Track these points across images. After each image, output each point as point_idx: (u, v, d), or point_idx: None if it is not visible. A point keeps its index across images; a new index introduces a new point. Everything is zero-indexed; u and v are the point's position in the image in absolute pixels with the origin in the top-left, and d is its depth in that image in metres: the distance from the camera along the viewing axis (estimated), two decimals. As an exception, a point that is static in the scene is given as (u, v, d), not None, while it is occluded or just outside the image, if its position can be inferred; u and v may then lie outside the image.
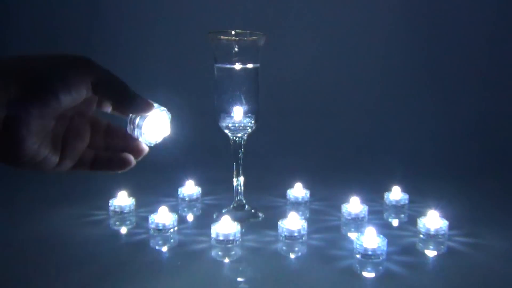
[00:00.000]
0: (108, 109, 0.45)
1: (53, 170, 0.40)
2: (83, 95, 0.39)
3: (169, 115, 0.46)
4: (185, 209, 0.84)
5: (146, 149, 0.45)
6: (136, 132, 0.44)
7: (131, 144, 0.45)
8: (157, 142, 0.46)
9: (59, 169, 0.41)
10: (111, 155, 0.44)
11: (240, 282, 0.57)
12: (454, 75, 1.35)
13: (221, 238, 0.66)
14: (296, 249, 0.67)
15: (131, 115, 0.44)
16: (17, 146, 0.36)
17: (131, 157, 0.44)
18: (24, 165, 0.38)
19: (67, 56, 0.39)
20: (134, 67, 1.36)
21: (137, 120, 0.44)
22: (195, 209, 0.85)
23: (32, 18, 1.36)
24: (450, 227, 0.70)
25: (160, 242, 0.69)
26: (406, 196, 0.85)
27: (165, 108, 0.46)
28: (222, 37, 0.70)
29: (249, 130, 0.75)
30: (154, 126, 0.45)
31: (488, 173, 1.10)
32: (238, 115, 0.73)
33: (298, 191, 0.87)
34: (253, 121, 0.74)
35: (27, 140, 0.36)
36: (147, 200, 0.84)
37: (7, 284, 0.56)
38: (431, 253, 0.66)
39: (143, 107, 0.43)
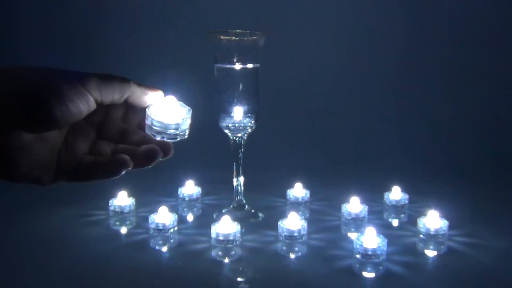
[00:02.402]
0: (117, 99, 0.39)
1: (50, 184, 0.37)
2: (83, 112, 0.35)
3: (188, 110, 0.42)
4: (185, 209, 0.84)
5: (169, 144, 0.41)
6: (148, 121, 0.41)
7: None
8: (178, 132, 0.41)
9: (58, 182, 0.38)
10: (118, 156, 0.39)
11: (240, 282, 0.57)
12: (454, 75, 1.35)
13: (221, 238, 0.66)
14: (296, 249, 0.67)
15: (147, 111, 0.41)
16: (11, 163, 0.33)
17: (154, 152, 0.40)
18: (19, 181, 0.35)
19: (61, 70, 0.36)
20: (133, 67, 1.36)
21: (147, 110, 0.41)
22: (195, 209, 0.85)
23: (33, 18, 1.36)
24: (450, 227, 0.70)
25: (160, 242, 0.69)
26: (406, 196, 0.85)
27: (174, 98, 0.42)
28: (222, 37, 0.70)
29: (249, 130, 0.75)
30: (165, 114, 0.41)
31: (488, 173, 1.10)
32: (238, 115, 0.73)
33: (298, 191, 0.87)
34: (253, 121, 0.74)
35: (20, 160, 0.33)
36: (147, 200, 0.84)
37: (7, 284, 0.56)
38: (431, 253, 0.66)
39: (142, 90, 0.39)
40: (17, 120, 0.32)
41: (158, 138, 0.41)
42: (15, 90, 0.33)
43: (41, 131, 0.35)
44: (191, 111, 0.42)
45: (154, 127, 0.41)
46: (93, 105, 0.36)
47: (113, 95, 0.38)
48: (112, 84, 0.37)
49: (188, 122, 0.42)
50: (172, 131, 0.41)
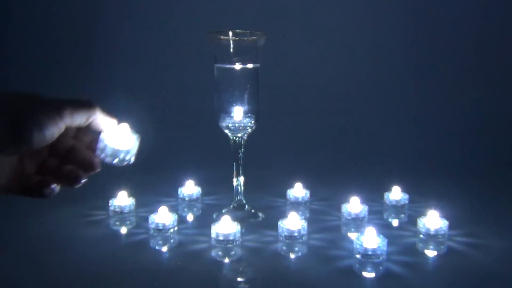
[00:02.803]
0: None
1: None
2: (55, 137, 0.40)
3: (137, 138, 0.47)
4: (185, 209, 0.84)
5: (97, 164, 0.46)
6: (101, 145, 0.46)
7: (85, 159, 0.46)
8: (125, 157, 0.47)
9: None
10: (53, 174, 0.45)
11: (240, 282, 0.57)
12: (454, 75, 1.35)
13: (221, 238, 0.66)
14: (296, 249, 0.67)
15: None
16: None
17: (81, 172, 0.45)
18: None
19: (41, 100, 0.41)
20: (134, 67, 1.36)
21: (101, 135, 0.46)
22: (195, 209, 0.85)
23: (33, 17, 1.36)
24: (450, 227, 0.70)
25: (160, 242, 0.69)
26: (406, 196, 0.85)
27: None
28: (222, 37, 0.70)
29: (249, 130, 0.75)
30: (118, 141, 0.46)
31: (488, 173, 1.10)
32: (238, 115, 0.73)
33: (298, 191, 0.87)
34: (253, 121, 0.74)
35: None
36: (147, 200, 0.84)
37: (7, 284, 0.56)
38: (431, 253, 0.66)
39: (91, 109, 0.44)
40: (1, 144, 0.38)
41: (107, 160, 0.46)
42: (2, 120, 0.38)
43: (17, 153, 0.41)
44: (140, 138, 0.47)
45: (106, 151, 0.46)
46: (63, 129, 0.41)
47: (81, 120, 0.43)
48: (82, 110, 0.42)
49: (136, 148, 0.47)
50: (122, 156, 0.46)
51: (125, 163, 0.47)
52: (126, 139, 0.47)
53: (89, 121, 0.44)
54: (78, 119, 0.42)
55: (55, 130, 0.40)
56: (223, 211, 0.79)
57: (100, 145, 0.46)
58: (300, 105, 1.33)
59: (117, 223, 0.76)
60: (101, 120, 0.45)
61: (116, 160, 0.46)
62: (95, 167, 0.46)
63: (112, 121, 0.46)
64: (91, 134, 0.47)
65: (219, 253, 0.65)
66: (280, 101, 1.26)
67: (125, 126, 0.47)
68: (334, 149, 1.23)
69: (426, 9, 1.35)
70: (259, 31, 0.71)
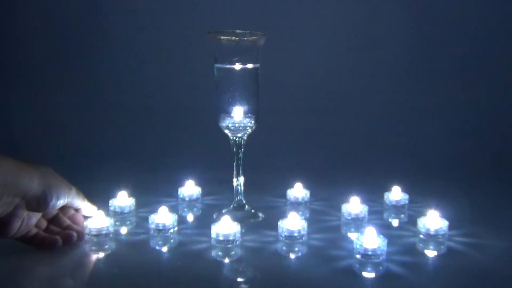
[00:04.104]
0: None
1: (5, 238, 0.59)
2: (61, 206, 0.62)
3: (111, 218, 0.69)
4: (185, 209, 0.84)
5: (81, 235, 0.66)
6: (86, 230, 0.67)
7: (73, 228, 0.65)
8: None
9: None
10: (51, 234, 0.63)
11: (240, 282, 0.57)
12: (454, 75, 1.35)
13: (221, 238, 0.66)
14: (296, 249, 0.67)
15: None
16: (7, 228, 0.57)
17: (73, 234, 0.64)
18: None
19: (59, 177, 0.60)
20: (134, 67, 1.36)
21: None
22: (195, 209, 0.85)
23: (33, 16, 1.36)
24: (450, 227, 0.70)
25: (160, 242, 0.69)
26: (406, 196, 0.85)
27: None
28: (222, 37, 0.70)
29: (249, 130, 0.75)
30: (98, 224, 0.67)
31: (488, 173, 1.10)
32: (238, 115, 0.73)
33: (298, 191, 0.87)
34: (253, 121, 0.74)
35: (14, 225, 0.57)
36: (147, 200, 0.84)
37: (7, 283, 0.56)
38: (431, 253, 0.66)
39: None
40: (29, 207, 0.57)
41: (87, 238, 0.66)
42: (40, 187, 0.57)
43: (38, 212, 0.60)
44: (113, 220, 0.70)
45: (89, 232, 0.66)
46: (65, 203, 0.62)
47: (75, 203, 0.65)
48: (79, 198, 0.65)
49: (112, 227, 0.69)
50: (104, 232, 0.67)
51: (100, 237, 0.67)
52: (104, 222, 0.67)
53: (78, 206, 0.66)
54: (73, 203, 0.64)
55: (62, 202, 0.60)
56: (223, 211, 0.79)
57: (86, 229, 0.66)
58: (300, 105, 1.33)
59: (117, 223, 0.76)
60: (87, 208, 0.67)
61: (92, 238, 0.66)
62: (83, 237, 0.66)
63: (94, 208, 0.68)
64: (72, 210, 0.67)
65: (219, 253, 0.65)
66: (280, 101, 1.26)
67: (101, 212, 0.68)
68: (334, 149, 1.23)
69: (426, 9, 1.35)
70: (259, 31, 0.71)
